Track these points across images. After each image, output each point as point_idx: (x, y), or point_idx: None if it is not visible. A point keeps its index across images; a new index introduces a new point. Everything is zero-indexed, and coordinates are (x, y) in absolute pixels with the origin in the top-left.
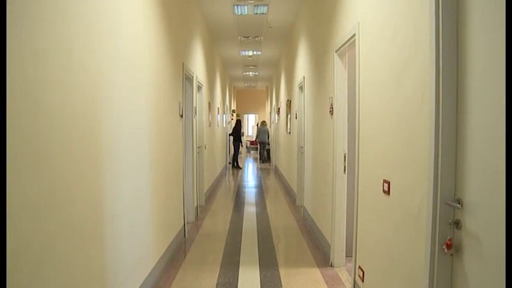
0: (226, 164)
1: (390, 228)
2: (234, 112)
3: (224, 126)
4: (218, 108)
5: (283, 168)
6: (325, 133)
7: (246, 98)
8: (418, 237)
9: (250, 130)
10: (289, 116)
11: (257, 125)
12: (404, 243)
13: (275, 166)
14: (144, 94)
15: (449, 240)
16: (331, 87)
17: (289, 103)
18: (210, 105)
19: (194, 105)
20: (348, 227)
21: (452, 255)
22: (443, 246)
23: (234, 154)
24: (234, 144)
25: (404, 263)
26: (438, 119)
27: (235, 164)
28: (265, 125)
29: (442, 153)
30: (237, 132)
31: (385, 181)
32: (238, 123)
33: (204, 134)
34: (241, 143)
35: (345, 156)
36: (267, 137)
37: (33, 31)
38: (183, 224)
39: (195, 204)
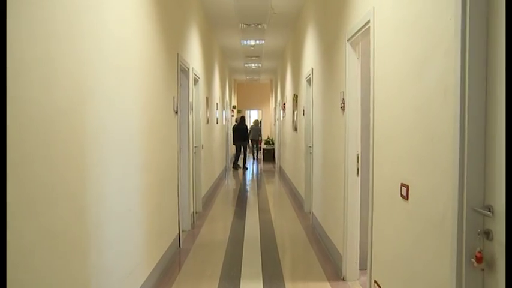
0: (226, 166)
1: (410, 238)
2: (235, 108)
3: (224, 123)
4: (217, 104)
5: (289, 170)
6: (335, 131)
7: (248, 93)
8: (442, 248)
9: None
10: (295, 112)
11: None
12: (426, 256)
13: (280, 167)
14: (134, 88)
15: (479, 252)
16: (343, 80)
17: (295, 98)
18: (208, 100)
19: (190, 100)
20: (362, 236)
21: (483, 270)
22: (472, 260)
23: (236, 155)
24: (237, 145)
25: (427, 278)
26: (464, 114)
27: (239, 165)
28: (257, 125)
29: (468, 152)
30: (242, 131)
31: (403, 185)
32: (243, 121)
33: (201, 133)
34: (249, 142)
35: (358, 157)
36: (257, 135)
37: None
38: (177, 233)
39: (192, 211)
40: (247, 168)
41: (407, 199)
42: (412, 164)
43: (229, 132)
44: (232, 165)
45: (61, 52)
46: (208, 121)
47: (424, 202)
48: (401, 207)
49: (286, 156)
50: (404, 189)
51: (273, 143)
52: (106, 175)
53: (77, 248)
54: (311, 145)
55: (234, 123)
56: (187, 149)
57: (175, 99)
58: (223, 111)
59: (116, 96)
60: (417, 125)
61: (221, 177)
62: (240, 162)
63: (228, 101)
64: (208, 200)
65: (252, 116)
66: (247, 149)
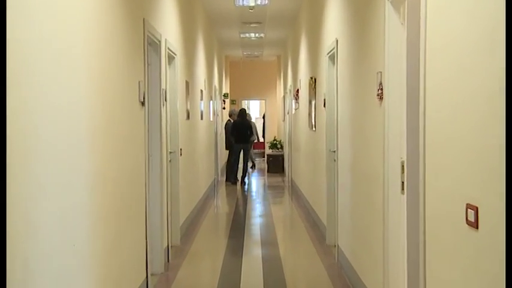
0: (216, 179)
1: (482, 282)
2: (227, 97)
3: (211, 119)
4: (201, 92)
5: (305, 185)
6: (370, 129)
7: (245, 75)
8: None
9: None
10: (313, 102)
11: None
12: None
13: (291, 181)
14: (81, 70)
15: None
16: (380, 56)
17: (313, 83)
18: (189, 86)
19: (163, 86)
20: (411, 280)
21: None
22: None
23: (233, 164)
24: (235, 150)
25: None
26: None
27: (237, 179)
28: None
29: None
30: (244, 129)
31: (469, 206)
32: (244, 114)
33: (178, 132)
34: (252, 144)
35: (402, 166)
36: (249, 133)
37: None
38: (144, 278)
39: (165, 245)
40: (245, 183)
41: (477, 227)
42: (482, 176)
43: (219, 132)
44: (226, 178)
45: None
46: (188, 116)
47: (501, 232)
48: (467, 239)
49: (300, 166)
50: (471, 212)
51: (282, 147)
52: (37, 195)
53: None
54: (335, 149)
55: (227, 118)
56: (159, 155)
57: (141, 85)
58: (211, 102)
59: (53, 83)
60: (490, 120)
61: (208, 196)
62: (238, 172)
63: (218, 87)
64: (190, 228)
65: (251, 109)
66: (249, 155)
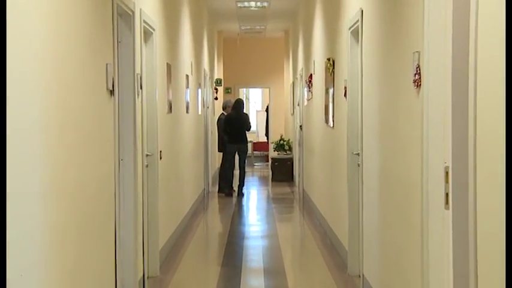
0: (205, 190)
1: None
2: (220, 84)
3: (200, 112)
4: (187, 77)
5: (320, 197)
6: (404, 126)
7: (244, 56)
8: None
9: (253, 121)
10: (331, 91)
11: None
12: None
13: (302, 192)
14: (25, 46)
15: None
16: (418, 31)
17: (330, 66)
18: (171, 70)
19: (138, 70)
20: None
21: None
22: None
23: (228, 171)
24: (229, 152)
25: None
26: None
27: (233, 189)
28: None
29: None
30: (239, 124)
31: None
32: (240, 106)
33: (158, 130)
34: (247, 146)
35: (447, 174)
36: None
37: None
38: None
39: (140, 275)
40: (243, 195)
41: None
42: None
43: (210, 129)
44: (218, 188)
45: None
46: (171, 109)
47: None
48: None
49: (313, 172)
50: None
51: (290, 148)
52: None
53: None
54: (359, 152)
55: (220, 112)
56: (132, 160)
57: (110, 69)
58: (200, 91)
59: None
60: None
61: (196, 211)
62: (234, 182)
63: (208, 71)
64: (173, 253)
65: (250, 99)
66: (246, 159)
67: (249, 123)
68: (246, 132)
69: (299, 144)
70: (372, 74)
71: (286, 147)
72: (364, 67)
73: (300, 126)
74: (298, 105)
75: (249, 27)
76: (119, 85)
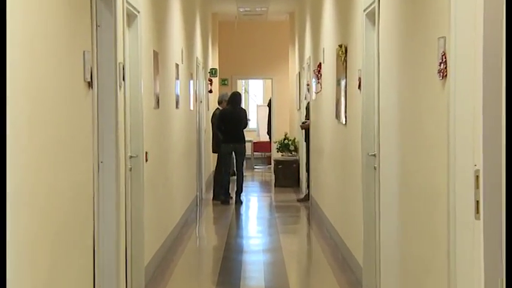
0: (198, 196)
1: None
2: (215, 75)
3: (192, 108)
4: (177, 67)
5: (331, 206)
6: (428, 123)
7: (242, 43)
8: None
9: (253, 117)
10: (343, 82)
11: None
12: None
13: (310, 199)
14: None
15: None
16: (444, 14)
17: (343, 53)
18: (158, 58)
19: (120, 59)
20: None
21: None
22: None
23: (224, 175)
24: (224, 153)
25: None
26: None
27: (230, 196)
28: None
29: None
30: (236, 121)
31: None
32: (237, 100)
33: (143, 128)
34: (244, 146)
35: (477, 178)
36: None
37: None
38: None
39: None
40: (242, 202)
41: None
42: None
43: (204, 127)
44: (213, 194)
45: None
46: (158, 103)
47: None
48: None
49: (323, 176)
50: None
51: (296, 149)
52: None
53: None
54: (375, 152)
55: (215, 107)
56: (113, 162)
57: (88, 58)
58: (191, 83)
59: None
60: None
61: (188, 222)
62: (234, 189)
63: (201, 60)
64: (160, 270)
65: (250, 93)
66: (244, 161)
67: (247, 119)
68: (244, 130)
69: (306, 144)
70: (390, 63)
71: (292, 148)
72: (381, 55)
73: (303, 122)
74: (306, 99)
75: (248, 9)
76: (98, 76)
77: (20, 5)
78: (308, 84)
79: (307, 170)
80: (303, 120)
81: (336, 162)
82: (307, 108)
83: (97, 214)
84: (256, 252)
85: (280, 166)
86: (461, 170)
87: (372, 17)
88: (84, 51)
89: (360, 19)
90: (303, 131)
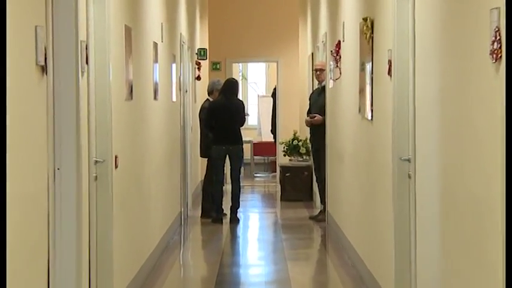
0: (182, 213)
1: None
2: (204, 57)
3: (174, 99)
4: (156, 46)
5: (353, 225)
6: (478, 118)
7: (239, 17)
8: None
9: (254, 111)
10: (368, 67)
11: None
12: None
13: (327, 216)
14: None
15: None
16: None
17: (368, 29)
18: (131, 36)
19: (82, 37)
20: None
21: None
22: None
23: (215, 188)
24: (215, 157)
25: None
26: None
27: (224, 213)
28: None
29: None
30: (231, 116)
31: None
32: (232, 90)
33: (113, 124)
34: (242, 146)
35: None
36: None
37: None
38: None
39: None
40: (238, 221)
41: None
42: None
43: (190, 123)
44: (202, 210)
45: None
46: (131, 94)
47: None
48: None
49: (343, 187)
50: None
51: (308, 152)
52: None
53: None
54: (410, 157)
55: (205, 98)
56: (74, 169)
57: (41, 35)
58: (174, 66)
59: None
60: None
61: (169, 245)
62: (228, 203)
63: (187, 38)
64: None
65: (249, 80)
66: (241, 167)
67: (245, 114)
68: (241, 127)
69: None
70: (430, 42)
71: (303, 150)
72: (417, 32)
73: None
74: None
75: None
76: (54, 58)
77: None
78: (318, 70)
79: (318, 180)
80: (310, 115)
81: (359, 169)
82: (311, 100)
83: (52, 235)
84: (258, 286)
85: (287, 174)
86: None
87: None
88: (36, 27)
89: None
90: (309, 128)
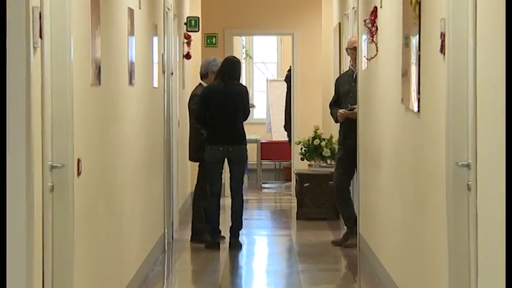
0: (166, 236)
1: None
2: (196, 28)
3: (156, 84)
4: (132, 14)
5: (393, 253)
6: None
7: None
8: None
9: (262, 100)
10: (414, 42)
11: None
12: None
13: (359, 241)
14: None
15: None
16: None
17: None
18: (99, 1)
19: (34, 3)
20: None
21: None
22: None
23: (210, 202)
24: (210, 161)
25: None
26: None
27: (222, 236)
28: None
29: None
30: (225, 104)
31: None
32: (232, 72)
33: (74, 118)
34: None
35: None
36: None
37: None
38: None
39: None
40: (240, 246)
41: None
42: None
43: (177, 116)
44: (192, 232)
45: None
46: (99, 77)
47: None
48: None
49: (380, 203)
50: None
51: (333, 154)
52: None
53: None
54: (469, 161)
55: (198, 82)
56: (22, 175)
57: None
58: (155, 41)
59: None
60: None
61: (148, 279)
62: (227, 222)
63: (172, 3)
64: None
65: (255, 59)
66: (244, 175)
67: (249, 104)
68: (244, 122)
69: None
70: (495, 10)
71: (327, 153)
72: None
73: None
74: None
75: None
76: None
77: None
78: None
79: (340, 195)
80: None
81: (401, 177)
82: (339, 86)
83: None
84: None
85: (306, 184)
86: None
87: None
88: None
89: None
90: (339, 124)
